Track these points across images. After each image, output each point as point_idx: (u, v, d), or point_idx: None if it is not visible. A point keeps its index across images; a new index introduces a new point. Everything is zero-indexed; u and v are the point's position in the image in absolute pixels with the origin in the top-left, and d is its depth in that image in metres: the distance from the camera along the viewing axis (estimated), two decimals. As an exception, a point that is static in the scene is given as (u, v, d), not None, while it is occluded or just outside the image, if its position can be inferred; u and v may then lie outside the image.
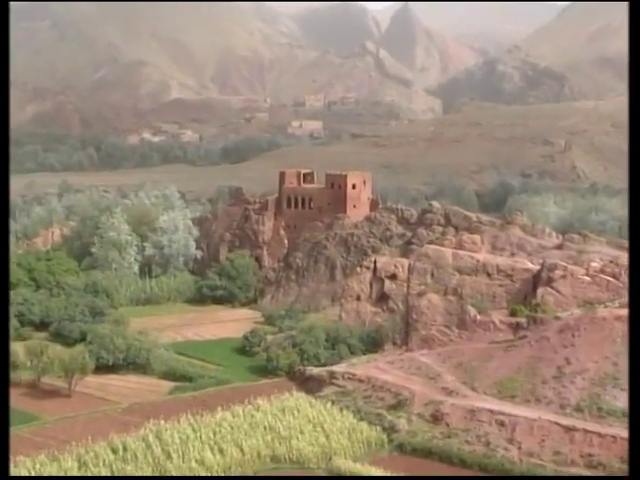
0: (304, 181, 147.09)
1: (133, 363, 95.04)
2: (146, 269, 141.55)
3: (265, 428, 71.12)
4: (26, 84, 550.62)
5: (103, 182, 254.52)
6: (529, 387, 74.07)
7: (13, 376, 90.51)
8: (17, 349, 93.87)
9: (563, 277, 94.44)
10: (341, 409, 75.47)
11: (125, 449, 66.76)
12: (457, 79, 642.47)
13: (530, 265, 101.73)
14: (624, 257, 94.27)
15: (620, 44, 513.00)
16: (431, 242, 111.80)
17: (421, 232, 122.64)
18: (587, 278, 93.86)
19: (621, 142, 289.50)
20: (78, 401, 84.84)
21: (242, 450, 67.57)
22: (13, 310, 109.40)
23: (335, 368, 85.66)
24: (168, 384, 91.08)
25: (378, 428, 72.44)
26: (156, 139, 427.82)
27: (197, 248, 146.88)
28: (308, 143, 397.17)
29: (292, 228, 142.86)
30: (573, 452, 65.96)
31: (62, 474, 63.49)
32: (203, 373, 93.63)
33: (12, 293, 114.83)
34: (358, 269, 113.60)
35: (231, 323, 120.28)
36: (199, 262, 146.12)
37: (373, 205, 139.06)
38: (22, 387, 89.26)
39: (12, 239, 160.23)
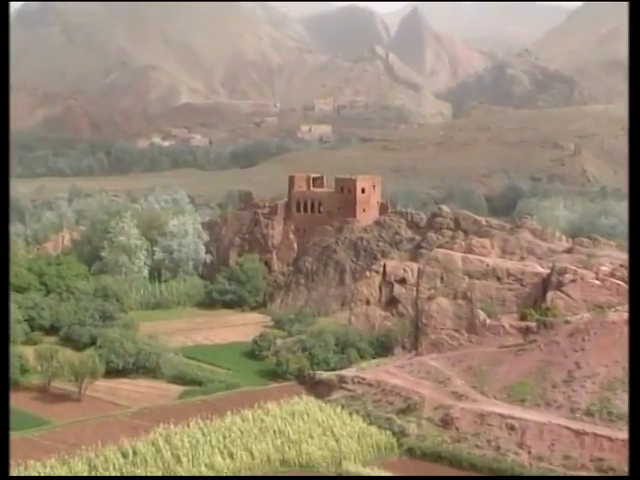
0: (313, 185, 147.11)
1: (143, 367, 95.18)
2: (156, 273, 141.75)
3: (275, 432, 71.11)
4: (36, 89, 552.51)
5: (113, 186, 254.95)
6: (539, 391, 73.91)
7: (23, 380, 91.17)
8: (27, 353, 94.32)
9: (573, 281, 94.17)
10: (351, 413, 75.42)
11: (135, 453, 66.85)
12: (466, 83, 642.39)
13: (540, 269, 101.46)
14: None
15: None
16: (440, 246, 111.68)
17: (431, 236, 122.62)
18: (597, 282, 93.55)
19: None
20: (88, 405, 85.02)
21: (252, 454, 67.57)
22: (23, 314, 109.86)
23: (345, 372, 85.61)
24: (178, 388, 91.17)
25: (388, 432, 72.36)
26: (166, 143, 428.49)
27: (207, 252, 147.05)
28: (317, 147, 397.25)
29: (301, 232, 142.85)
30: (583, 456, 65.80)
31: (72, 478, 63.67)
32: (213, 377, 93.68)
33: (22, 297, 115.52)
34: (367, 273, 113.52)
35: (241, 327, 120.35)
36: (209, 266, 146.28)
37: (382, 209, 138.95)
38: (32, 391, 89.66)
39: (22, 244, 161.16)
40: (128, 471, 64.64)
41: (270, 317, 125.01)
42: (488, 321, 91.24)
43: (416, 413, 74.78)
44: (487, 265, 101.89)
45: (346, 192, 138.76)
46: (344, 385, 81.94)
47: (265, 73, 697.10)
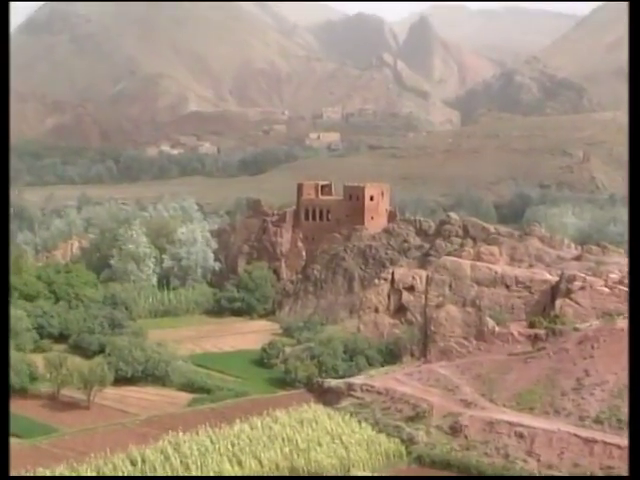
0: (322, 193, 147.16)
1: (152, 375, 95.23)
2: (164, 281, 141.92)
3: (283, 440, 71.01)
4: (45, 97, 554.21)
5: (122, 195, 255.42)
6: (548, 399, 73.75)
7: (32, 388, 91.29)
8: (36, 361, 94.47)
9: (582, 288, 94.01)
10: (359, 421, 75.33)
11: (144, 461, 66.80)
12: (475, 90, 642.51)
13: (549, 276, 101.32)
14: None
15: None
16: (449, 254, 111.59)
17: (439, 244, 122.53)
18: (606, 289, 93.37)
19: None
20: (97, 413, 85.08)
21: (260, 462, 67.50)
22: (32, 322, 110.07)
23: (353, 380, 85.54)
24: (186, 396, 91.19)
25: (396, 440, 72.26)
26: (174, 151, 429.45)
27: (215, 260, 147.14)
28: (326, 155, 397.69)
29: (310, 240, 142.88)
30: (593, 464, 65.60)
31: (81, 486, 63.74)
32: (221, 385, 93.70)
33: (31, 305, 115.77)
34: (376, 281, 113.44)
35: (249, 335, 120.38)
36: (217, 274, 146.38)
37: (391, 217, 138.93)
38: (42, 399, 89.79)
39: (32, 252, 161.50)
40: (137, 479, 64.71)
41: (279, 325, 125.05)
42: (497, 329, 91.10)
43: (425, 421, 74.66)
44: (496, 273, 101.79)
45: (354, 200, 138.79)
46: (353, 393, 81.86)
47: (274, 81, 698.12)
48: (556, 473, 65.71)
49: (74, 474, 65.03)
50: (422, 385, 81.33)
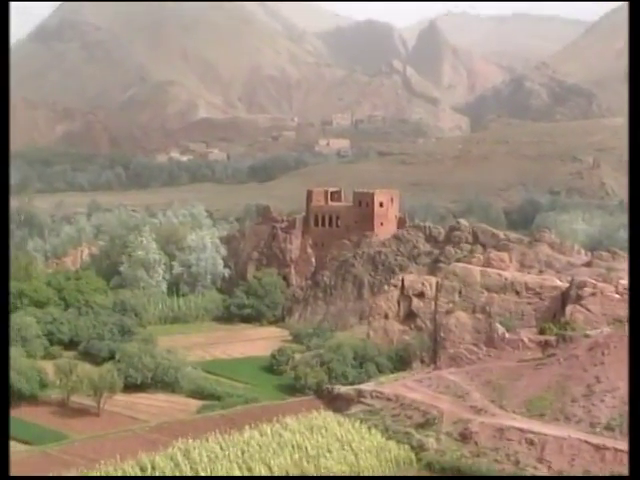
0: (331, 199, 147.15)
1: (161, 382, 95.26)
2: (174, 288, 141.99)
3: (293, 447, 70.92)
4: (55, 104, 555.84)
5: (131, 201, 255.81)
6: (558, 405, 73.49)
7: (43, 395, 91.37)
8: (47, 368, 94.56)
9: (592, 295, 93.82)
10: (369, 428, 75.19)
11: (154, 468, 66.82)
12: (484, 96, 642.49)
13: (559, 283, 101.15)
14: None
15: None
16: (459, 260, 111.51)
17: (449, 250, 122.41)
18: (616, 296, 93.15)
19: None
20: (107, 420, 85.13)
21: (270, 469, 67.39)
22: (42, 329, 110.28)
23: (363, 386, 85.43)
24: (196, 403, 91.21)
25: (406, 447, 72.07)
26: (184, 158, 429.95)
27: (225, 267, 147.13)
28: (335, 161, 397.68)
29: (320, 246, 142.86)
30: (603, 471, 65.28)
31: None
32: (231, 392, 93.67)
33: (41, 312, 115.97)
34: (386, 287, 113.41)
35: (259, 341, 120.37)
36: (227, 281, 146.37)
37: (401, 223, 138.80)
38: (52, 406, 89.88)
39: (41, 258, 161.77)
40: (146, 486, 64.68)
41: (288, 331, 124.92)
42: (507, 335, 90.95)
43: (435, 427, 74.48)
44: (505, 279, 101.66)
45: (364, 206, 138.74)
46: (362, 399, 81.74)
47: (283, 88, 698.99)
48: (567, 480, 65.50)
49: (84, 481, 65.10)
50: (432, 392, 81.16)
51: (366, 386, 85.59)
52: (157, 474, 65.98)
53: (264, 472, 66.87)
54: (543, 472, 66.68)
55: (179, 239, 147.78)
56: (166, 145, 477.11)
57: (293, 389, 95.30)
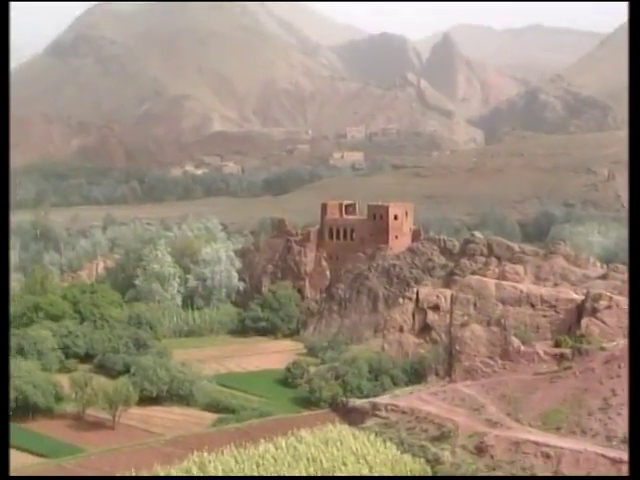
0: (346, 212, 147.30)
1: (176, 395, 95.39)
2: (189, 301, 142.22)
3: (308, 460, 70.72)
4: (71, 118, 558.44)
5: (146, 215, 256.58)
6: (574, 419, 73.12)
7: (58, 408, 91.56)
8: (62, 381, 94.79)
9: (608, 307, 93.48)
10: (384, 441, 74.93)
11: (169, 481, 66.82)
12: (499, 109, 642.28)
13: (574, 295, 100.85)
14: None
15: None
16: (474, 273, 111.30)
17: (464, 263, 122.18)
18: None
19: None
20: (122, 433, 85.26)
21: (285, 482, 67.32)
22: (58, 342, 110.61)
23: (378, 399, 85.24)
24: (211, 416, 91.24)
25: (422, 460, 71.75)
26: (199, 172, 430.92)
27: (239, 280, 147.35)
28: (350, 174, 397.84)
29: (334, 259, 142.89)
30: (620, 485, 64.92)
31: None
32: (246, 405, 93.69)
33: (57, 325, 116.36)
34: (400, 300, 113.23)
35: (274, 354, 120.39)
36: (241, 294, 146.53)
37: (415, 236, 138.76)
38: (67, 419, 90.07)
39: (57, 272, 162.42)
40: (162, 499, 64.63)
41: (303, 344, 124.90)
42: (522, 348, 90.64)
43: (450, 441, 74.20)
44: (521, 291, 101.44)
45: (378, 219, 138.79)
46: (377, 412, 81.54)
47: (297, 101, 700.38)
48: (583, 494, 65.10)
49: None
50: (447, 405, 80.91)
51: (381, 399, 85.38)
52: (172, 487, 65.97)
53: (279, 485, 66.77)
54: (559, 486, 66.35)
55: (194, 252, 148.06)
56: (181, 159, 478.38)
57: (308, 402, 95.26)
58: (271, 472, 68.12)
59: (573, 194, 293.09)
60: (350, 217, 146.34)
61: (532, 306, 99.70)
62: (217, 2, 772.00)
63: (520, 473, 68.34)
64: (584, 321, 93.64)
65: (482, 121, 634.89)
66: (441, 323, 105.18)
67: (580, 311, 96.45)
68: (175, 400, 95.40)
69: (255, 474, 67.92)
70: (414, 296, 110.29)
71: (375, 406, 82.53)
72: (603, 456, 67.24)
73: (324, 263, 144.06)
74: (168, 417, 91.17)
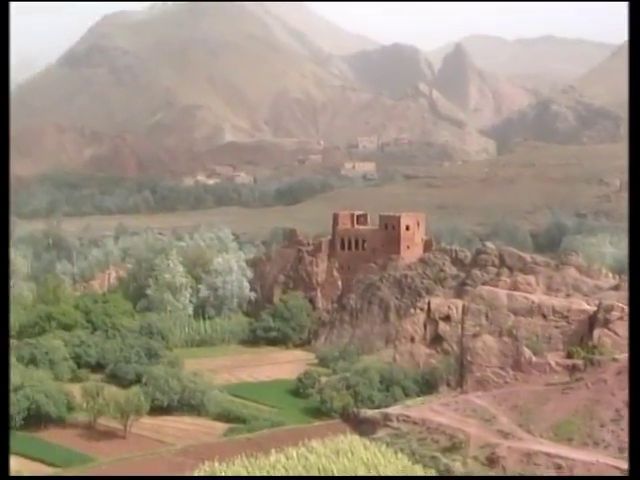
0: (357, 222, 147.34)
1: (188, 404, 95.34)
2: (200, 311, 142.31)
3: (319, 470, 70.65)
4: (84, 128, 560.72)
5: (158, 224, 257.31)
6: (586, 430, 72.89)
7: (69, 417, 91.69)
8: (74, 391, 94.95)
9: (620, 318, 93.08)
10: (395, 451, 74.82)
11: (180, 491, 66.87)
12: (510, 119, 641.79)
13: (586, 306, 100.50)
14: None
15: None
16: (485, 283, 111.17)
17: (475, 273, 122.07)
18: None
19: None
20: (133, 442, 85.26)
21: (296, 493, 67.29)
22: (70, 352, 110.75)
23: (389, 410, 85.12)
24: (222, 426, 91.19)
25: (433, 471, 71.59)
26: (210, 182, 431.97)
27: (251, 290, 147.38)
28: (361, 184, 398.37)
29: (346, 269, 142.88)
30: (632, 497, 64.62)
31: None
32: (257, 415, 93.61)
33: (69, 335, 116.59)
34: (412, 310, 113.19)
35: (285, 365, 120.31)
36: (253, 304, 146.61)
37: (427, 246, 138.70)
38: (78, 428, 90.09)
39: (70, 281, 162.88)
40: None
41: (314, 354, 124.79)
42: (534, 359, 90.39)
43: (462, 452, 74.04)
44: (532, 302, 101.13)
45: (390, 229, 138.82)
46: (389, 423, 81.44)
47: (309, 111, 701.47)
48: (595, 505, 64.85)
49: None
50: (459, 415, 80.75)
51: (392, 410, 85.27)
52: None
53: (290, 496, 66.72)
54: (571, 497, 66.14)
55: (206, 262, 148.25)
56: (193, 168, 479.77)
57: (319, 412, 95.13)
58: (282, 482, 68.12)
59: (585, 205, 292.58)
60: (362, 227, 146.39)
61: (544, 317, 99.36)
62: (229, 12, 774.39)
63: (532, 484, 68.17)
64: (596, 332, 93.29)
65: (494, 131, 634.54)
66: (452, 334, 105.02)
67: (592, 322, 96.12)
68: (186, 410, 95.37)
69: (266, 484, 67.92)
70: (426, 306, 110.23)
71: (386, 417, 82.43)
72: (615, 468, 67.01)
73: (336, 273, 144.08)
74: (179, 427, 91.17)
